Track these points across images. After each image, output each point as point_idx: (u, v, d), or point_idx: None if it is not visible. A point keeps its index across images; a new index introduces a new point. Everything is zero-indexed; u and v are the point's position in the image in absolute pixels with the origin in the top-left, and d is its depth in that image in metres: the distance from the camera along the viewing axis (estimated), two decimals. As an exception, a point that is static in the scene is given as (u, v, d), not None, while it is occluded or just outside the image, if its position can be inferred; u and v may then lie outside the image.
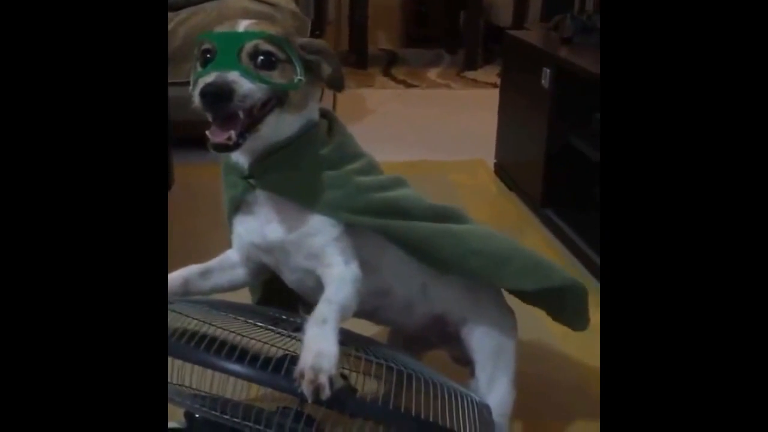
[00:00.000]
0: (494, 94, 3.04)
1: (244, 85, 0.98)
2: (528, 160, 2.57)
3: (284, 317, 1.14)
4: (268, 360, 0.97)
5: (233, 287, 1.23)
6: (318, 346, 0.93)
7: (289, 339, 1.07)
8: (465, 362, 1.31)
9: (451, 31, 5.53)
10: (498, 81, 4.24)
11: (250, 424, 0.95)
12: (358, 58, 4.99)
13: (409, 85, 4.58)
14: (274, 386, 0.94)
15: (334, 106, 3.14)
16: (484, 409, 1.10)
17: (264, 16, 3.01)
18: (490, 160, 2.96)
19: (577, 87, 2.26)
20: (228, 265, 1.21)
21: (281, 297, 1.27)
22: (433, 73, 4.90)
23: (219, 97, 0.96)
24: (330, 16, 4.34)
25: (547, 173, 2.43)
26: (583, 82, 2.18)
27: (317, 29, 3.65)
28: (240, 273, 1.22)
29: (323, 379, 0.89)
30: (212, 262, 1.21)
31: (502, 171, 2.87)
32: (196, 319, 1.05)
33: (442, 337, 1.31)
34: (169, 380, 1.03)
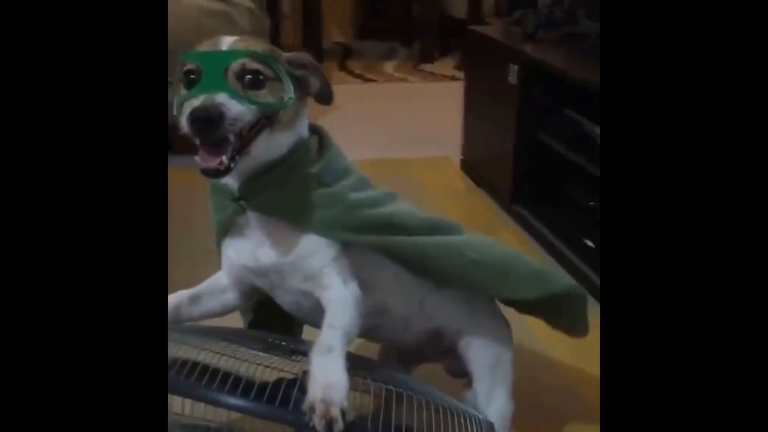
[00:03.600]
0: (453, 86, 3.01)
1: (234, 107, 0.94)
2: (496, 156, 2.57)
3: (278, 342, 1.10)
4: (263, 387, 0.93)
5: (225, 311, 1.19)
6: (326, 377, 0.90)
7: (285, 362, 1.04)
8: (460, 374, 1.30)
9: (404, 23, 5.49)
10: (455, 74, 4.25)
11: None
12: (314, 52, 4.92)
13: (366, 80, 4.54)
14: (282, 420, 0.91)
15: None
16: (490, 429, 1.09)
17: (221, 15, 2.93)
18: (455, 155, 2.95)
19: (544, 82, 2.27)
20: (218, 289, 1.17)
21: (275, 319, 1.23)
22: (389, 67, 4.86)
23: (209, 121, 0.92)
24: (284, 11, 4.27)
25: (516, 169, 2.43)
26: (551, 77, 2.18)
27: (271, 25, 3.58)
28: (231, 296, 1.18)
29: (335, 412, 0.86)
30: (201, 287, 1.17)
31: (469, 167, 2.86)
32: (188, 344, 1.00)
33: (438, 351, 1.30)
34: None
